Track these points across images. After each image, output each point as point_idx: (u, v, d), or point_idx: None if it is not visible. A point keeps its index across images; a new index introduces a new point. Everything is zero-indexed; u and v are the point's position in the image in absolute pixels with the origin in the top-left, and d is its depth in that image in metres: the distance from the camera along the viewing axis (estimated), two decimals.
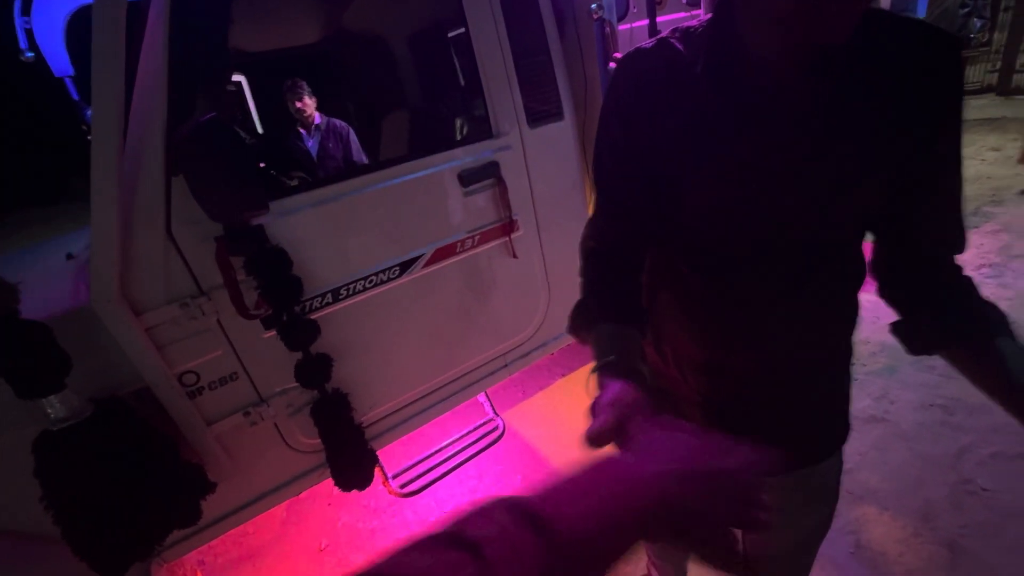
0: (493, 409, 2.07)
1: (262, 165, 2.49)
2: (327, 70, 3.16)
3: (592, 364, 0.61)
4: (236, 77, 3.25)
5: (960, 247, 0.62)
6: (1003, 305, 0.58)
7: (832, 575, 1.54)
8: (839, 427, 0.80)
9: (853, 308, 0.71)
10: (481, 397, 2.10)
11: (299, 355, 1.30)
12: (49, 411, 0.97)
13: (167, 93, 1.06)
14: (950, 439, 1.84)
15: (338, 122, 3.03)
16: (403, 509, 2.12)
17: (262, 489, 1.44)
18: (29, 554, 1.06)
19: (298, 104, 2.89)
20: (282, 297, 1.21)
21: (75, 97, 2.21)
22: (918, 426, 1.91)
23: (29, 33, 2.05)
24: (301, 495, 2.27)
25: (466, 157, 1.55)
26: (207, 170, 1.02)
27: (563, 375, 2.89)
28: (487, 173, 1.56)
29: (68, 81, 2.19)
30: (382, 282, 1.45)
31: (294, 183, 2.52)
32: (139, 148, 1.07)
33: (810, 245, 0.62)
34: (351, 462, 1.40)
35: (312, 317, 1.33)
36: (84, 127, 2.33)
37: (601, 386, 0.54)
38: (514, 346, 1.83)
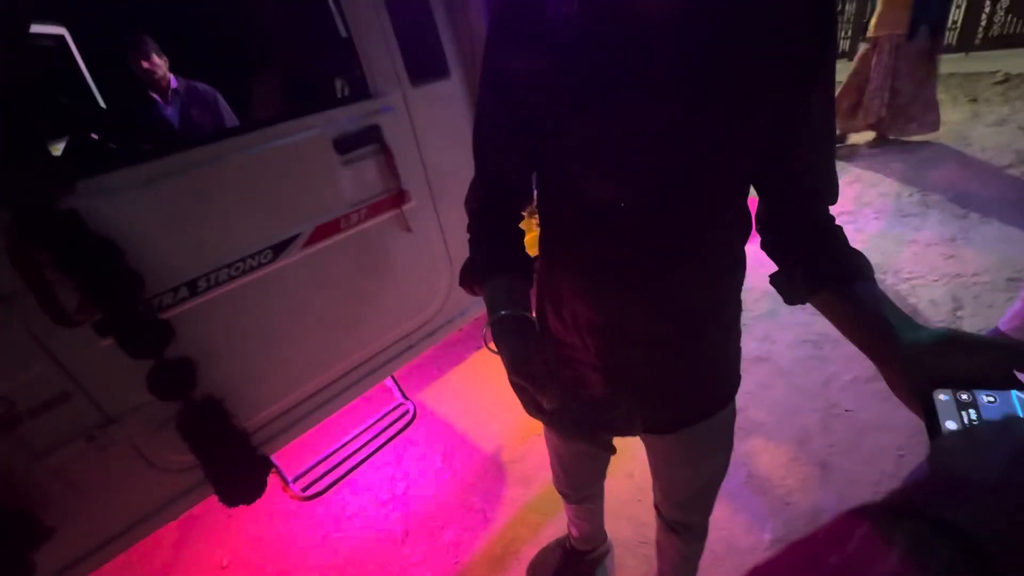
0: (402, 393, 1.97)
1: (95, 137, 2.07)
2: (180, 23, 2.68)
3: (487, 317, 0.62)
4: (55, 30, 2.66)
5: (832, 197, 0.62)
6: (856, 245, 0.60)
7: (729, 504, 1.68)
8: (733, 378, 0.83)
9: (741, 262, 0.72)
10: (388, 382, 1.99)
11: (150, 363, 1.09)
12: None
13: None
14: (819, 370, 2.07)
15: (201, 85, 2.60)
16: (314, 508, 1.98)
17: (129, 520, 1.24)
18: None
19: (145, 64, 2.43)
20: (113, 296, 0.99)
21: None
22: (794, 361, 2.13)
23: None
24: (195, 510, 2.04)
25: (342, 121, 1.37)
26: None
27: (478, 348, 2.85)
28: (367, 138, 1.40)
29: None
30: (252, 268, 1.26)
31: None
32: None
33: (697, 200, 0.60)
34: (236, 474, 1.24)
35: (164, 316, 1.12)
36: None
37: (499, 342, 0.59)
38: (418, 325, 1.73)
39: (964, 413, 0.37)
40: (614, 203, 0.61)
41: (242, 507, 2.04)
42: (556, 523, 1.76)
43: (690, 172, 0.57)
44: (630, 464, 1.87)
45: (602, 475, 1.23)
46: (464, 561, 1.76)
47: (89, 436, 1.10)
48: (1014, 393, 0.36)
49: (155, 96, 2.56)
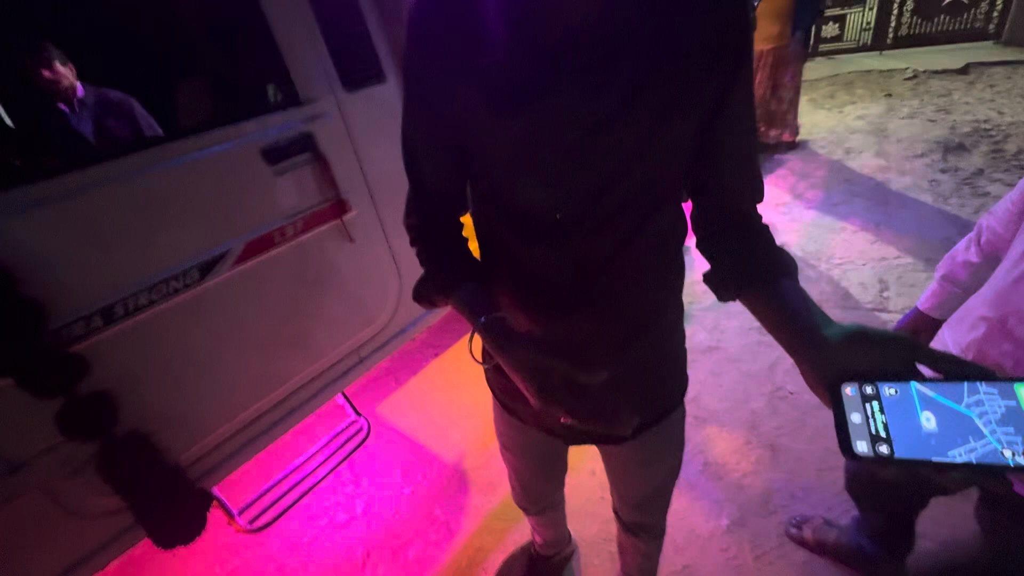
0: (354, 410, 1.90)
1: None
2: (87, 26, 2.47)
3: (472, 326, 0.62)
4: None
5: (758, 197, 0.64)
6: (792, 234, 0.62)
7: (687, 493, 1.72)
8: (680, 379, 0.83)
9: (680, 263, 0.72)
10: (340, 399, 1.91)
11: (59, 401, 0.99)
12: None
13: None
14: (765, 355, 2.16)
15: (114, 93, 2.41)
16: (266, 539, 1.87)
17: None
18: None
19: (46, 73, 2.23)
20: (7, 331, 0.89)
21: None
22: (741, 348, 2.22)
23: None
24: (134, 551, 1.88)
25: (270, 130, 1.30)
26: None
27: (436, 355, 2.81)
28: (299, 147, 1.34)
29: None
30: (176, 291, 1.17)
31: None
32: None
33: (627, 205, 0.60)
34: (170, 513, 1.14)
35: (75, 349, 1.02)
36: None
37: (494, 343, 0.57)
38: (368, 337, 1.67)
39: (868, 405, 0.38)
40: (547, 214, 0.60)
41: (183, 549, 1.91)
42: (522, 529, 1.75)
43: (616, 181, 0.57)
44: (592, 463, 1.89)
45: (560, 485, 1.21)
46: None
47: None
48: (913, 384, 0.38)
49: (62, 107, 2.35)
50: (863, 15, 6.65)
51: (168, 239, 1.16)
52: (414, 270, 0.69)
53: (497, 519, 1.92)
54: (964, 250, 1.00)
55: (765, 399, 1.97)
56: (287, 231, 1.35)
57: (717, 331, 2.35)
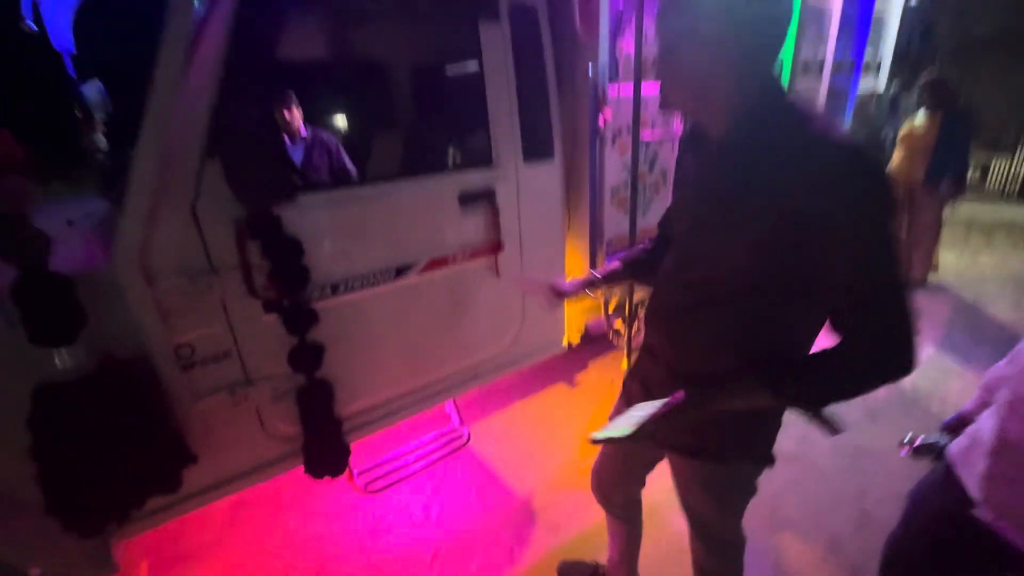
0: (460, 418, 2.15)
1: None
2: (327, 85, 3.26)
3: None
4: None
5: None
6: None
7: None
8: (745, 442, 0.99)
9: (748, 353, 0.86)
10: (449, 406, 2.18)
11: (294, 341, 1.36)
12: (57, 362, 0.99)
13: (219, 80, 1.16)
14: (853, 481, 2.11)
15: (325, 134, 3.12)
16: (352, 516, 2.13)
17: (229, 474, 1.45)
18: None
19: (286, 114, 2.98)
20: (290, 283, 1.29)
21: (72, 74, 2.20)
22: (829, 466, 2.18)
23: (35, 5, 2.04)
24: (246, 498, 2.22)
25: (468, 181, 1.71)
26: (247, 157, 1.12)
27: (521, 399, 3.01)
28: (483, 197, 1.73)
29: (67, 58, 2.18)
30: (378, 283, 1.55)
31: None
32: (182, 128, 1.15)
33: (702, 282, 0.86)
34: (328, 450, 1.44)
35: (313, 307, 1.41)
36: (76, 104, 2.30)
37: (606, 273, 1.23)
38: (487, 358, 1.95)
39: None
40: (665, 259, 0.99)
41: (285, 503, 2.23)
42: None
43: (703, 260, 0.87)
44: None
45: (626, 491, 1.41)
46: None
47: (232, 390, 1.35)
48: None
49: (285, 137, 3.08)
50: (1011, 164, 6.37)
51: (382, 245, 1.56)
52: (535, 312, 0.96)
53: (556, 559, 2.02)
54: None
55: (852, 522, 1.91)
56: (457, 256, 1.72)
57: (805, 442, 2.33)
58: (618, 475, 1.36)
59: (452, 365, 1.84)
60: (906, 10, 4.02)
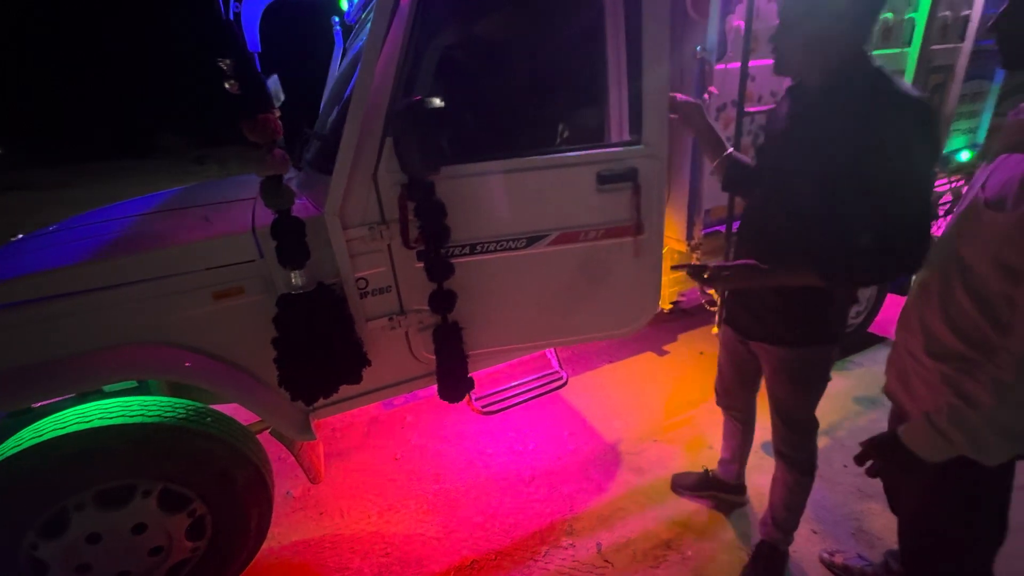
0: (559, 362, 2.38)
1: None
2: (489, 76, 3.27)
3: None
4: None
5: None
6: None
7: (831, 544, 1.88)
8: (815, 327, 1.36)
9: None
10: (550, 352, 2.40)
11: (434, 286, 1.67)
12: (294, 280, 1.47)
13: (397, 75, 1.42)
14: None
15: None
16: (462, 439, 2.54)
17: (386, 381, 1.89)
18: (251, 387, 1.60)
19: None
20: (435, 238, 1.57)
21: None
22: None
23: (237, 16, 2.50)
24: (379, 416, 2.80)
25: (610, 158, 1.72)
26: (408, 137, 1.38)
27: (610, 362, 3.19)
28: (626, 176, 1.72)
29: (256, 57, 2.65)
30: (509, 248, 1.75)
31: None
32: (371, 113, 1.48)
33: (789, 200, 1.28)
34: (455, 378, 1.78)
35: (451, 261, 1.68)
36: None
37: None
38: (604, 336, 2.05)
39: None
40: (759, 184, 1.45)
41: (412, 423, 2.75)
42: (662, 508, 2.08)
43: (781, 189, 1.32)
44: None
45: (742, 396, 1.78)
46: (577, 511, 2.09)
47: (390, 317, 1.75)
48: None
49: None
50: None
51: (518, 214, 1.72)
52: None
53: (641, 495, 2.17)
54: None
55: None
56: (590, 234, 1.79)
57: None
58: (736, 380, 1.74)
59: (566, 338, 1.98)
60: None
